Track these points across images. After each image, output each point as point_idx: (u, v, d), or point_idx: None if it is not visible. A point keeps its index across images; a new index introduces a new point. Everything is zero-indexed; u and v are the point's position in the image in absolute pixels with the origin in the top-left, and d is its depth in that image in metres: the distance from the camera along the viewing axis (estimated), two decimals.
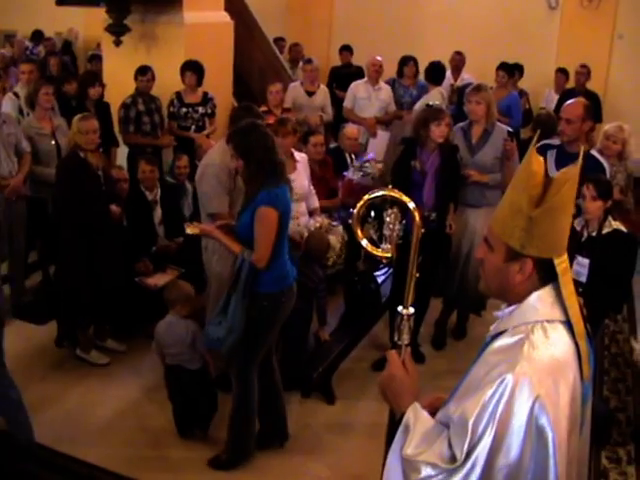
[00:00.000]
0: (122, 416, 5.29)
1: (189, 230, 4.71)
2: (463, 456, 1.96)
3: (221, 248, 5.16)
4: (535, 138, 2.26)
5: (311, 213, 6.32)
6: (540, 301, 2.13)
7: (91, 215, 5.63)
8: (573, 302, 2.14)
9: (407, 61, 9.41)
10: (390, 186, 4.35)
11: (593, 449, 4.96)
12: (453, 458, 1.99)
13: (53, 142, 6.81)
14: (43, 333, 6.34)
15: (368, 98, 8.91)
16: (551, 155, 5.47)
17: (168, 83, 8.03)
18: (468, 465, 1.95)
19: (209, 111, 8.08)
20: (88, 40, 12.49)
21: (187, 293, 5.02)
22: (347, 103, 9.03)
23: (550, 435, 1.94)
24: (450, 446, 2.02)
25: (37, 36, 12.76)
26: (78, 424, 5.12)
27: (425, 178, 5.80)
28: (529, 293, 2.14)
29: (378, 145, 8.72)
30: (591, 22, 11.29)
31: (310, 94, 8.90)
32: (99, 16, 8.31)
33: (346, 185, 6.95)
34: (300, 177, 6.09)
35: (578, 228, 4.96)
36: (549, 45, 11.66)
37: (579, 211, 5.06)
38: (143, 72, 7.89)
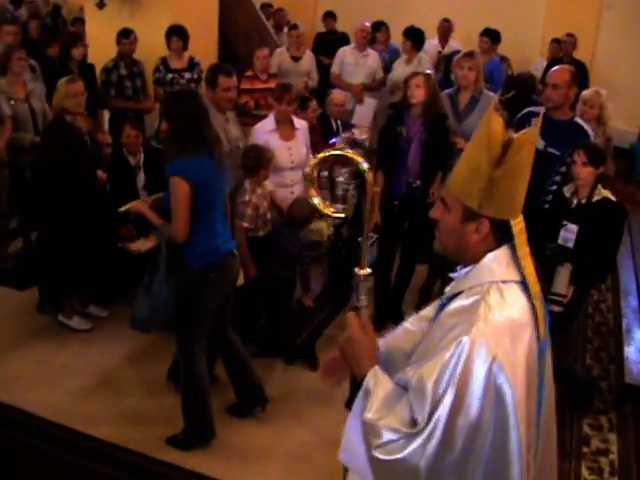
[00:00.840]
0: (104, 382, 5.27)
1: (120, 209, 4.65)
2: (424, 420, 1.96)
3: None
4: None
5: None
6: (495, 261, 2.13)
7: (77, 180, 5.57)
8: (529, 263, 2.14)
9: (379, 26, 9.50)
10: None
11: (575, 416, 5.00)
12: (414, 422, 2.00)
13: (27, 106, 6.67)
14: (24, 299, 6.29)
15: (356, 64, 8.87)
16: (535, 122, 5.44)
17: (152, 47, 7.93)
18: (429, 428, 1.95)
19: (195, 76, 7.97)
20: (71, 3, 12.27)
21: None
22: (335, 68, 8.99)
23: (509, 392, 1.96)
24: (411, 410, 2.02)
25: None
26: (60, 390, 5.10)
27: (410, 145, 5.76)
28: (485, 254, 2.14)
29: (365, 112, 8.66)
30: None
31: (296, 60, 8.83)
32: None
33: None
34: (298, 145, 6.04)
35: (568, 195, 4.96)
36: (536, 14, 11.58)
37: (568, 178, 5.06)
38: (125, 35, 7.79)
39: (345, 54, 8.98)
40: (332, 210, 2.55)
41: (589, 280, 4.96)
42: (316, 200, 2.52)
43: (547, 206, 5.35)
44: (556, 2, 11.42)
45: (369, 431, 2.05)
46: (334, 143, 6.86)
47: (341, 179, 3.09)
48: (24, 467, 4.43)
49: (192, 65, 8.00)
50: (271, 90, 7.54)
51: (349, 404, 2.17)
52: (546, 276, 4.81)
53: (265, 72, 8.02)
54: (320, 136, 6.99)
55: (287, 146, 5.95)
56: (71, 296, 5.99)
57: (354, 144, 6.72)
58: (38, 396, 4.97)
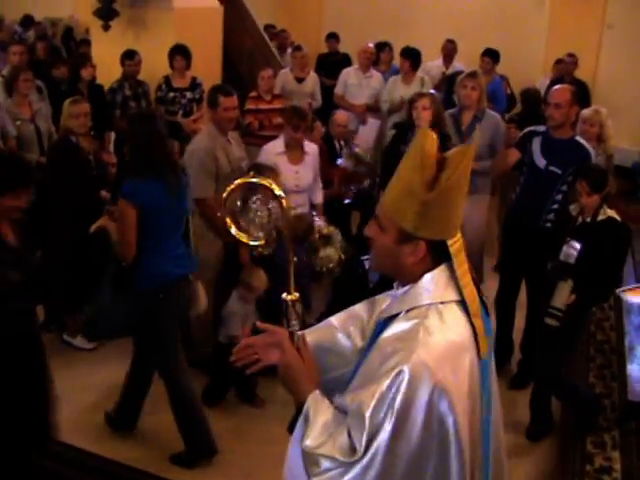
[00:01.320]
0: (108, 400, 5.27)
1: (91, 230, 4.80)
2: (362, 449, 1.92)
3: (208, 233, 5.14)
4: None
5: (313, 207, 6.18)
6: (433, 282, 2.08)
7: (81, 199, 5.61)
8: (467, 281, 2.11)
9: (383, 47, 9.47)
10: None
11: (578, 434, 4.99)
12: (353, 450, 1.95)
13: (32, 127, 6.73)
14: None
15: (359, 85, 8.88)
16: (537, 142, 5.49)
17: (156, 68, 8.01)
18: (367, 457, 1.92)
19: (197, 96, 8.06)
20: (77, 26, 12.39)
21: None
22: (338, 89, 9.02)
23: (451, 419, 1.93)
24: (350, 437, 1.97)
25: (27, 21, 12.66)
26: (64, 408, 5.10)
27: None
28: (422, 273, 2.09)
29: (368, 132, 8.71)
30: (581, 12, 11.24)
31: (300, 81, 8.88)
32: (88, 0, 8.27)
33: (340, 174, 6.87)
34: (306, 169, 6.00)
35: (574, 214, 4.97)
36: (539, 34, 11.63)
37: (571, 197, 5.07)
38: (130, 56, 7.87)
39: (349, 75, 9.00)
40: (249, 238, 2.52)
41: (590, 295, 4.96)
42: (233, 230, 2.48)
43: (549, 225, 5.38)
44: (558, 22, 11.47)
45: (308, 459, 2.01)
46: (340, 164, 6.88)
47: (254, 206, 3.11)
48: None
49: (194, 85, 8.09)
50: (275, 110, 7.61)
51: (291, 428, 2.12)
52: (547, 292, 4.84)
53: (269, 93, 8.07)
54: (326, 156, 7.03)
55: (294, 169, 5.92)
56: (75, 315, 6.00)
57: (357, 159, 6.74)
58: None
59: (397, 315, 2.11)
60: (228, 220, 2.48)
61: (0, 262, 2.71)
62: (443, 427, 1.93)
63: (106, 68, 8.22)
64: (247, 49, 10.20)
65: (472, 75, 6.18)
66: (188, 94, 8.02)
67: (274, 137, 6.24)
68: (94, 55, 8.66)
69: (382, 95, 8.68)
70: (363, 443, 1.92)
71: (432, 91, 6.30)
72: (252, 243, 2.54)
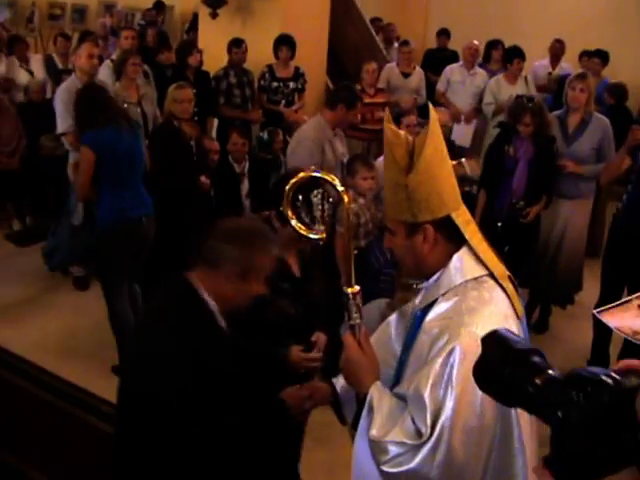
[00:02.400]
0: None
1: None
2: (428, 429, 1.93)
3: None
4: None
5: None
6: (461, 261, 2.11)
7: (180, 183, 5.66)
8: (484, 249, 2.14)
9: (495, 44, 9.14)
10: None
11: None
12: (419, 433, 1.96)
13: (139, 110, 6.83)
14: None
15: (462, 82, 8.72)
16: None
17: (261, 57, 8.03)
18: (434, 437, 1.92)
19: (299, 86, 8.06)
20: (184, 12, 12.53)
21: None
22: (440, 86, 8.88)
23: None
24: (414, 421, 1.99)
25: (158, 6, 12.55)
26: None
27: (517, 165, 5.68)
28: (444, 259, 2.12)
29: (463, 131, 8.51)
30: None
31: (406, 76, 8.77)
32: None
33: None
34: None
35: None
36: None
37: None
38: (237, 44, 7.92)
39: (452, 72, 8.84)
40: (311, 232, 2.54)
41: None
42: (293, 222, 2.51)
43: None
44: None
45: (375, 448, 2.02)
46: None
47: (315, 200, 3.02)
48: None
49: (297, 75, 8.09)
50: (378, 105, 7.54)
51: (355, 424, 2.13)
52: None
53: (373, 86, 8.01)
54: None
55: None
56: None
57: (464, 180, 6.54)
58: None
59: (434, 302, 2.15)
60: (289, 212, 2.52)
61: (280, 291, 2.63)
62: None
63: (212, 55, 8.29)
64: (352, 41, 10.11)
65: (582, 77, 6.02)
66: (291, 84, 8.02)
67: (376, 131, 6.17)
68: (200, 42, 8.74)
69: (485, 97, 8.44)
70: (428, 423, 1.93)
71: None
72: (312, 236, 2.57)
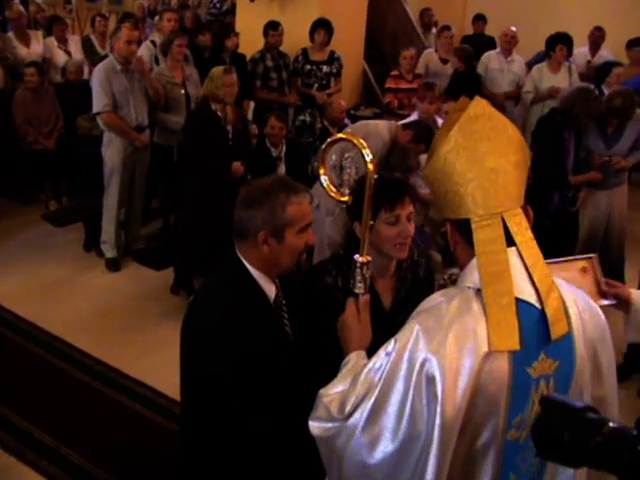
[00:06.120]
0: None
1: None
2: (349, 410, 1.97)
3: (336, 209, 5.08)
4: None
5: None
6: (469, 267, 1.98)
7: (211, 166, 5.64)
8: (534, 262, 1.95)
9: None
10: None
11: None
12: (342, 407, 2.00)
13: (183, 91, 6.86)
14: (159, 279, 6.46)
15: (500, 70, 8.59)
16: None
17: (298, 41, 8.01)
18: (350, 420, 1.97)
19: (334, 70, 8.02)
20: None
21: None
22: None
23: (439, 385, 1.81)
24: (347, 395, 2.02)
25: None
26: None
27: (568, 156, 5.69)
28: (466, 258, 2.00)
29: None
30: None
31: (444, 62, 8.66)
32: None
33: None
34: None
35: None
36: None
37: None
38: (274, 27, 7.90)
39: (490, 59, 8.71)
40: (338, 193, 2.58)
41: None
42: (323, 179, 2.52)
43: None
44: None
45: (315, 401, 2.12)
46: None
47: (345, 163, 2.97)
48: None
49: (332, 59, 8.05)
50: (416, 90, 7.47)
51: None
52: None
53: (411, 72, 7.95)
54: None
55: None
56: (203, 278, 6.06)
57: None
58: (163, 374, 5.08)
59: None
60: (322, 170, 2.54)
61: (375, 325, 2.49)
62: (432, 389, 1.83)
63: (249, 38, 8.26)
64: (390, 27, 10.04)
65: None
66: (325, 67, 7.98)
67: None
68: (238, 25, 8.72)
69: (525, 85, 8.27)
70: (348, 408, 1.98)
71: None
72: (340, 198, 2.61)
